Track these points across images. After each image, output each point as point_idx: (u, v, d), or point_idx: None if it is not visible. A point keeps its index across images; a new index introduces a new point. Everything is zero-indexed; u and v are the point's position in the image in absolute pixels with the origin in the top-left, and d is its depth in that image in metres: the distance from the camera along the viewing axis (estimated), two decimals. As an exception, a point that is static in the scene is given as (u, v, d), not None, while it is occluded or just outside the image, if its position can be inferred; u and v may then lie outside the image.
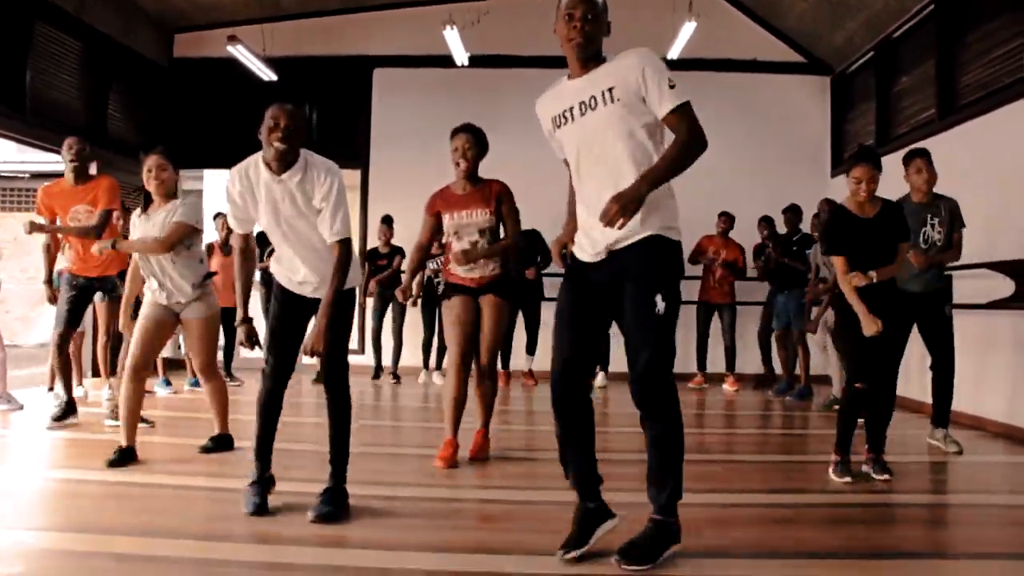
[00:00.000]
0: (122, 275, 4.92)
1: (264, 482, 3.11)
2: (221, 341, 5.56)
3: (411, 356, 7.90)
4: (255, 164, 2.98)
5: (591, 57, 2.47)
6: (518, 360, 7.81)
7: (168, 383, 6.48)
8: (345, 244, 2.98)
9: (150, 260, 3.90)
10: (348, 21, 8.91)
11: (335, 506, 2.98)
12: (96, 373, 6.49)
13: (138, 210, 4.06)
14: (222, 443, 4.15)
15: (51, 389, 5.69)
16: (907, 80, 6.96)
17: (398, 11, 8.90)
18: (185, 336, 4.09)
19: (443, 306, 4.16)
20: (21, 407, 5.35)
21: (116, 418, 4.62)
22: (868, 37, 7.55)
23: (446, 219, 4.05)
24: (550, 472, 3.32)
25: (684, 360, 7.74)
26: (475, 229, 4.00)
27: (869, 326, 3.64)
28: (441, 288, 4.28)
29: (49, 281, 4.97)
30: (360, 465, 3.43)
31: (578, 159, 2.50)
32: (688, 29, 7.10)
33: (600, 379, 7.53)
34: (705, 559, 2.58)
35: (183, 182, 9.49)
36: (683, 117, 2.40)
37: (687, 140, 2.39)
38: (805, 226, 7.10)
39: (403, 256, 7.73)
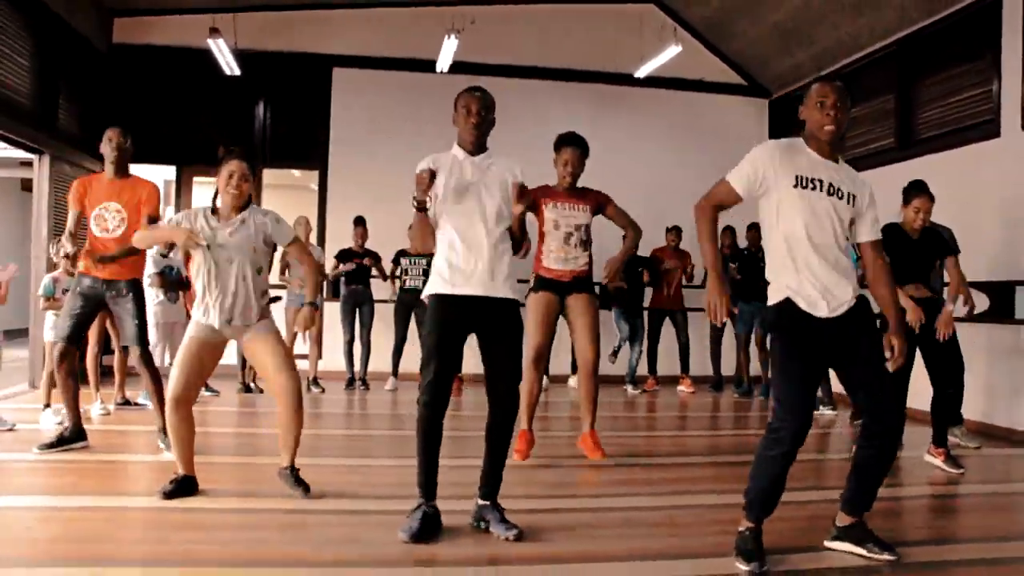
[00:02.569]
0: (132, 283, 4.39)
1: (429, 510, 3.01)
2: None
3: (382, 362, 7.78)
4: (445, 152, 3.11)
5: (837, 142, 2.77)
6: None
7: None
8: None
9: (231, 276, 3.44)
10: (306, 17, 8.64)
11: (512, 521, 3.02)
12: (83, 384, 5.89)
13: (203, 211, 3.51)
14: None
15: (47, 405, 5.20)
16: (857, 111, 7.69)
17: (359, 11, 8.72)
18: (257, 361, 3.58)
19: (530, 299, 4.29)
20: (12, 427, 4.87)
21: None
22: (814, 67, 8.26)
23: (548, 209, 4.23)
24: (667, 477, 3.59)
25: (640, 365, 8.23)
26: (573, 223, 4.24)
27: (913, 312, 4.27)
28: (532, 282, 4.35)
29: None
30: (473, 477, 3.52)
31: (812, 225, 2.71)
32: (670, 52, 7.50)
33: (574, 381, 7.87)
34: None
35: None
36: (880, 246, 2.90)
37: (889, 265, 2.93)
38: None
39: (376, 259, 7.66)
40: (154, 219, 4.42)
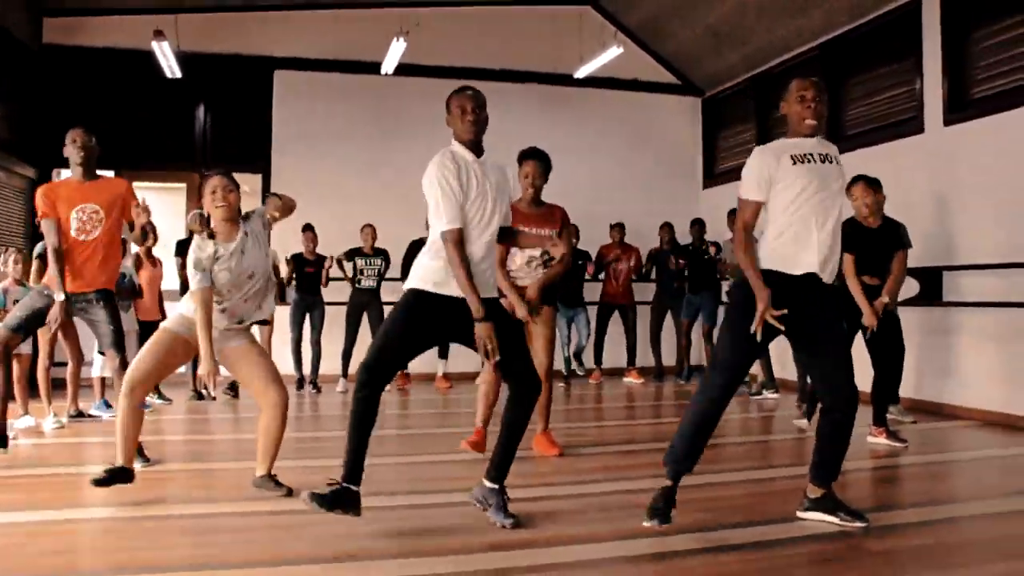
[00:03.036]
0: (103, 292, 4.22)
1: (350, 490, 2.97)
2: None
3: (332, 364, 7.77)
4: (455, 152, 3.06)
5: (819, 130, 3.04)
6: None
7: (108, 405, 5.93)
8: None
9: (252, 286, 3.51)
10: (247, 19, 8.52)
11: (511, 511, 3.13)
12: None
13: (203, 239, 3.43)
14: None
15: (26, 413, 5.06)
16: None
17: (301, 12, 8.65)
18: (243, 373, 3.57)
19: None
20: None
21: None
22: (745, 68, 8.64)
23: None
24: (636, 464, 3.75)
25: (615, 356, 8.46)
26: (539, 248, 4.31)
27: (870, 318, 4.57)
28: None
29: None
30: (442, 472, 3.66)
31: (812, 191, 2.94)
32: (611, 53, 7.72)
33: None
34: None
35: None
36: None
37: None
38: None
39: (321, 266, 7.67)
40: (132, 224, 4.35)
